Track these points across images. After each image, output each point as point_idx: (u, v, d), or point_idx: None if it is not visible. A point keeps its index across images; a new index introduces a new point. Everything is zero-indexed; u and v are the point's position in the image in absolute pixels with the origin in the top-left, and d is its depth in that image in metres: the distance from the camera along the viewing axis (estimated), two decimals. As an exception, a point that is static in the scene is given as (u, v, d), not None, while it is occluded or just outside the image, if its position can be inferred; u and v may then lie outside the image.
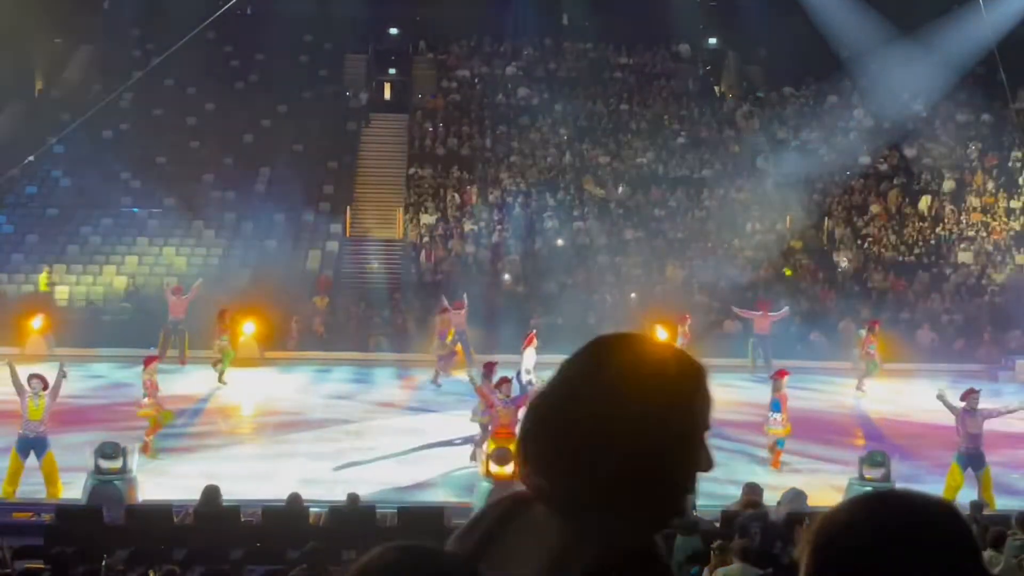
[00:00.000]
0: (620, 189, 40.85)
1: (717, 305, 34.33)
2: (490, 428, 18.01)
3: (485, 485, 16.76)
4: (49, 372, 17.63)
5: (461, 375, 27.01)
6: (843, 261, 37.35)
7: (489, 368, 19.19)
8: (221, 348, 27.06)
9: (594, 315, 33.76)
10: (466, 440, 20.59)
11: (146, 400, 19.39)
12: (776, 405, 19.58)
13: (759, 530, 13.38)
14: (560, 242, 37.78)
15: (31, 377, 17.24)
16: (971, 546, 1.95)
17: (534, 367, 23.65)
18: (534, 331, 25.68)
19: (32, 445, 16.96)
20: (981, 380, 28.76)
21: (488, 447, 17.41)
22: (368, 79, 48.38)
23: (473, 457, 19.45)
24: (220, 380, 26.98)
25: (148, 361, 19.95)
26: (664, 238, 38.18)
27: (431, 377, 27.42)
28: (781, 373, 20.23)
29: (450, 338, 28.28)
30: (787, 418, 19.71)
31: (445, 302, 29.52)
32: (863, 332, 29.00)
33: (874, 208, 40.57)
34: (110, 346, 30.38)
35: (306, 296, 34.45)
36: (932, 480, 17.23)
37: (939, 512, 1.98)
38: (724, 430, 22.93)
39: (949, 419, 18.25)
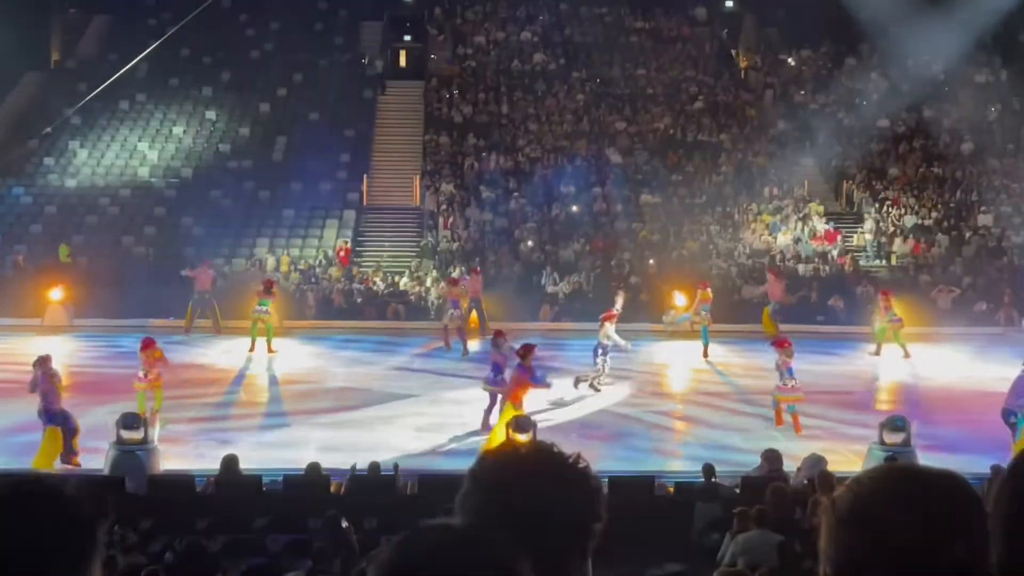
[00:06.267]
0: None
1: (735, 271, 34.25)
2: (503, 395, 17.99)
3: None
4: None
5: (477, 343, 27.12)
6: (867, 234, 37.07)
7: (498, 336, 19.43)
8: (259, 318, 26.80)
9: (612, 281, 33.74)
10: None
11: (143, 374, 18.99)
12: (792, 370, 19.46)
13: (777, 496, 13.40)
14: (576, 208, 37.64)
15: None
16: (981, 521, 1.99)
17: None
18: (615, 310, 24.00)
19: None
20: (1001, 342, 28.75)
21: (507, 414, 17.40)
22: (383, 46, 48.22)
23: (484, 425, 19.25)
24: (269, 350, 26.91)
25: (147, 345, 19.24)
26: (681, 203, 38.03)
27: (461, 351, 27.09)
28: (783, 342, 20.13)
29: (464, 307, 28.16)
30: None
31: (456, 273, 29.40)
32: (879, 302, 28.80)
33: (893, 171, 40.33)
34: (131, 317, 30.39)
35: (323, 265, 34.46)
36: (959, 445, 17.15)
37: (953, 486, 2.00)
38: (744, 396, 23.04)
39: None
